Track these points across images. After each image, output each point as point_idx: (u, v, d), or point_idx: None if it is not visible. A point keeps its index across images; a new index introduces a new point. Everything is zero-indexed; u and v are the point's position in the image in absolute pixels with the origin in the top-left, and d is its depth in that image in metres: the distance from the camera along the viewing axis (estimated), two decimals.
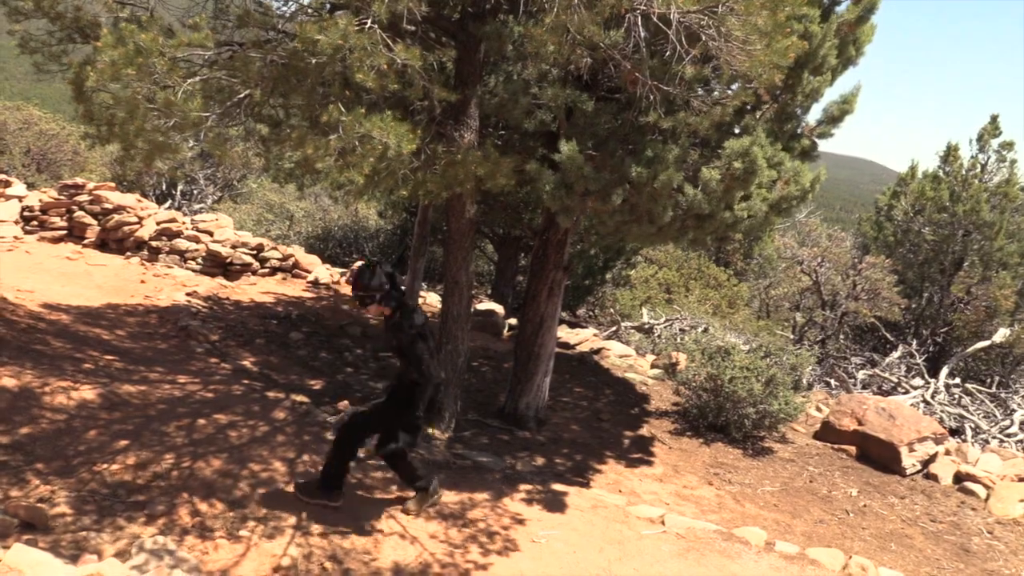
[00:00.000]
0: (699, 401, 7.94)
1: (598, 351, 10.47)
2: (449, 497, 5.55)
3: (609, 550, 5.10)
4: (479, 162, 5.77)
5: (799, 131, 7.21)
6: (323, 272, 12.30)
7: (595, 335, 11.66)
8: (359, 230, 18.40)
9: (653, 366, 10.10)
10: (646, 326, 13.31)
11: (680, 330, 12.83)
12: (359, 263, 4.67)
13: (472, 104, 6.23)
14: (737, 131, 6.50)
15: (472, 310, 8.54)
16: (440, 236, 12.64)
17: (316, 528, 4.79)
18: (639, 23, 4.90)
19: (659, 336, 12.76)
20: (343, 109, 4.77)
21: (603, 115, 6.10)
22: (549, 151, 6.46)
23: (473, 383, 8.43)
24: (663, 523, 5.60)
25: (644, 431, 7.79)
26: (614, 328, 13.22)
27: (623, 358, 10.34)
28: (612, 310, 14.88)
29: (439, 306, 7.53)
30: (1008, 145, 16.19)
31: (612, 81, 6.14)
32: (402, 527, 5.01)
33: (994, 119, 16.43)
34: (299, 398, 6.93)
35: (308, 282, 12.05)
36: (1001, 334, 14.35)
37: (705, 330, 12.04)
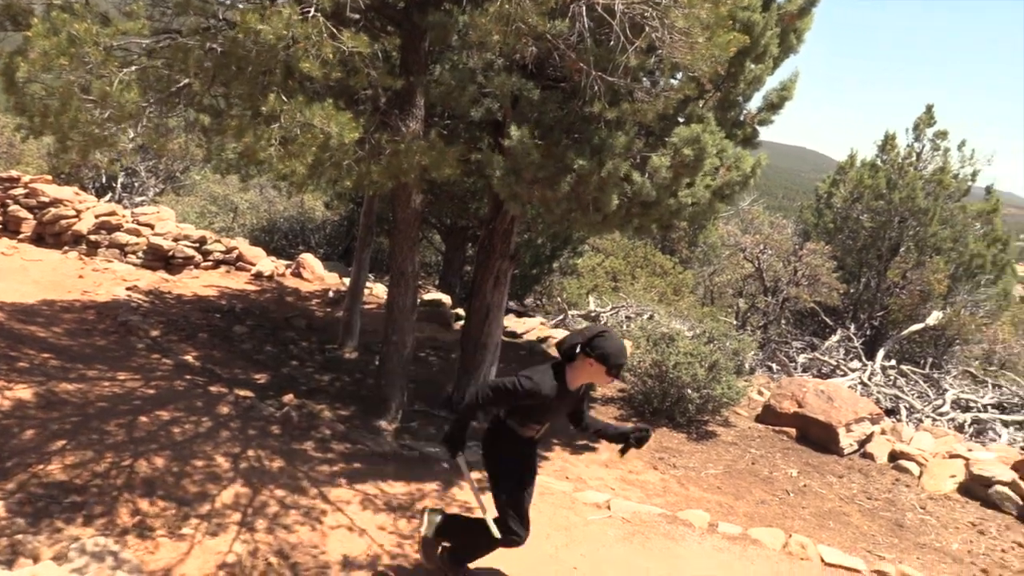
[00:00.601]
0: (644, 387, 8.07)
1: (545, 339, 10.54)
2: (398, 488, 5.56)
3: (556, 536, 5.16)
4: (424, 151, 5.75)
5: (741, 119, 7.34)
6: (268, 264, 12.13)
7: (542, 323, 11.73)
8: (305, 221, 18.17)
9: None
10: (593, 314, 13.44)
11: (626, 317, 12.98)
12: (605, 336, 3.82)
13: (418, 93, 6.19)
14: (681, 120, 6.59)
15: (419, 301, 8.54)
16: (386, 226, 12.56)
17: (261, 524, 4.76)
18: (583, 13, 4.93)
19: (606, 323, 12.89)
20: (284, 98, 4.72)
21: (549, 104, 6.12)
22: (496, 140, 6.46)
23: (420, 374, 8.42)
24: (609, 508, 5.69)
25: None
26: (561, 316, 13.31)
27: None
28: (559, 299, 14.98)
29: (385, 297, 7.50)
30: (942, 134, 16.70)
31: (558, 70, 6.16)
32: (350, 520, 5.00)
33: (929, 109, 16.92)
34: (243, 392, 6.85)
35: (252, 275, 11.87)
36: (934, 317, 14.86)
37: (651, 317, 12.21)
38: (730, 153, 6.75)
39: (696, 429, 7.88)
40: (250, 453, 5.68)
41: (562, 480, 6.25)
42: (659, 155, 5.86)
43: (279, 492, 5.20)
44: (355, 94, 6.08)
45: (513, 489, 4.15)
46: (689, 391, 7.76)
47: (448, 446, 4.01)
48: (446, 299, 11.55)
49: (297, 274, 12.32)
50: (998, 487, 7.10)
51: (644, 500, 6.12)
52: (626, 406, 8.27)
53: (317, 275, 12.38)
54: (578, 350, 3.82)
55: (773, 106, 7.29)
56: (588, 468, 6.68)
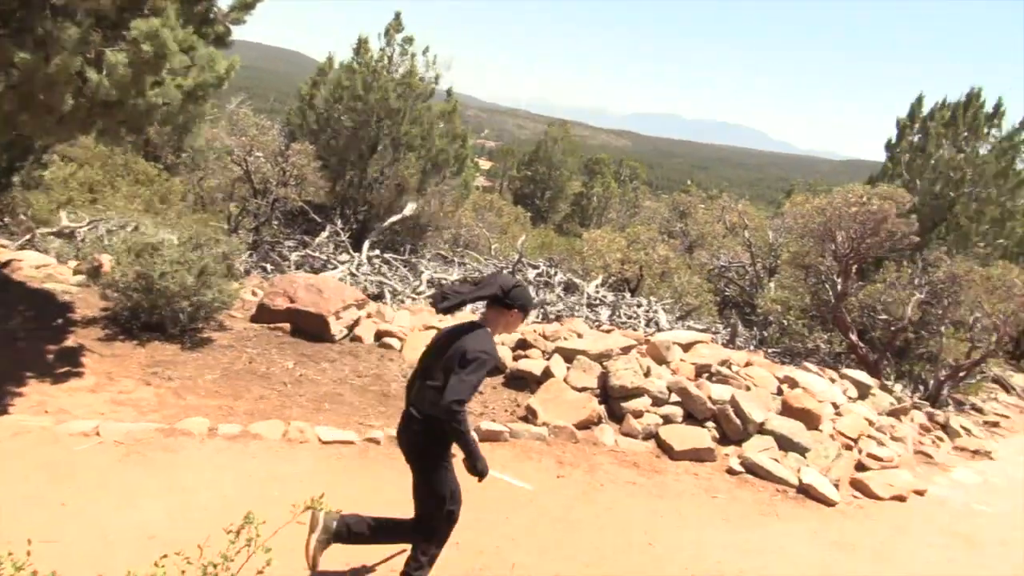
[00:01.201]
0: (130, 302, 7.57)
1: (7, 264, 9.18)
2: None
3: (36, 476, 4.72)
4: None
5: (212, 16, 7.08)
6: None
7: (3, 246, 10.17)
8: None
9: (76, 272, 9.27)
10: (67, 231, 12.02)
11: (107, 231, 11.90)
12: (521, 286, 3.83)
13: None
14: (146, 12, 6.11)
15: None
16: None
17: None
18: None
19: (83, 240, 11.66)
20: None
21: None
22: None
23: None
24: (98, 434, 5.37)
25: (71, 342, 7.18)
26: (29, 236, 11.65)
27: (40, 268, 9.24)
28: (24, 216, 13.03)
29: None
30: (409, 40, 18.15)
31: None
32: None
33: (398, 16, 18.19)
34: None
35: None
36: (409, 208, 16.57)
37: (135, 229, 11.39)
38: (202, 53, 6.53)
39: (190, 338, 7.72)
40: None
41: (41, 415, 5.67)
42: (115, 50, 5.41)
43: None
44: None
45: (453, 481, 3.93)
46: (179, 300, 7.53)
47: (480, 471, 3.74)
48: None
49: None
50: None
51: (139, 418, 5.89)
52: (111, 324, 7.69)
53: None
54: (497, 303, 3.84)
55: (246, 6, 7.18)
56: (72, 396, 6.15)
